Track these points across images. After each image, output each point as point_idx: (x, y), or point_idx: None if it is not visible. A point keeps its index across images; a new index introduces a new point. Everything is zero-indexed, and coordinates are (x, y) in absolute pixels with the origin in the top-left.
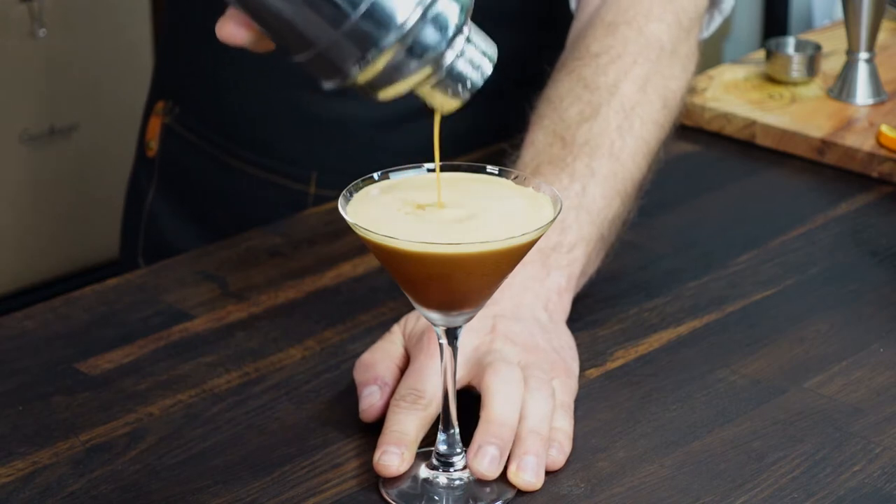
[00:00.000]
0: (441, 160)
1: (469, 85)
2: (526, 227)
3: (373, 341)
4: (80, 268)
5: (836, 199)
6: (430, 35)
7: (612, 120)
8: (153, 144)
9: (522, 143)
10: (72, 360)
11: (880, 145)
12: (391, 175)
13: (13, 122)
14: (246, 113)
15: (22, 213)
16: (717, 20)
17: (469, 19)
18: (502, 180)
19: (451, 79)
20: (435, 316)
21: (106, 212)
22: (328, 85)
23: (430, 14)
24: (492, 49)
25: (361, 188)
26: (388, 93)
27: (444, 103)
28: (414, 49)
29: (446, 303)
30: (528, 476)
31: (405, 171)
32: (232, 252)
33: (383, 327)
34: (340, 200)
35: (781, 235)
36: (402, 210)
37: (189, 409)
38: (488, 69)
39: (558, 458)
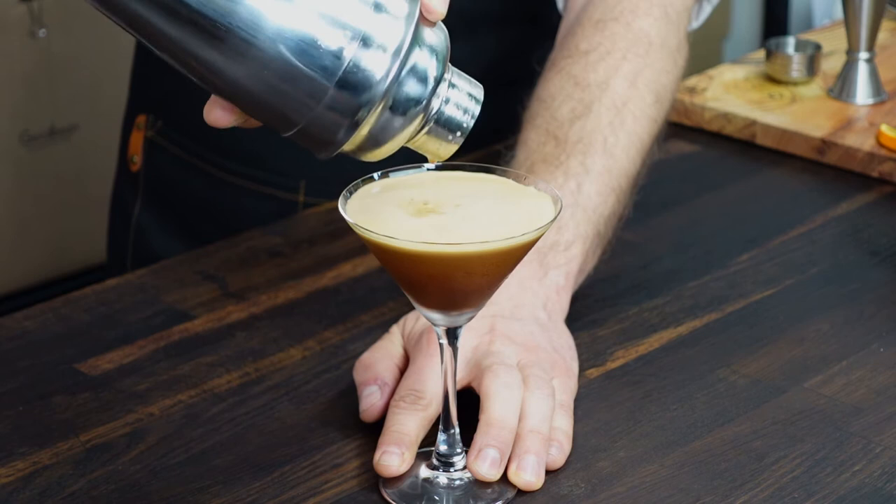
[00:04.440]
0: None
1: (460, 130)
2: (526, 227)
3: (373, 341)
4: (79, 268)
5: (836, 198)
6: (411, 88)
7: (604, 116)
8: (136, 159)
9: (516, 143)
10: (72, 360)
11: (880, 145)
12: (391, 174)
13: (13, 122)
14: None
15: (22, 214)
16: (707, 9)
17: (449, 65)
18: (502, 180)
19: (441, 126)
20: (436, 316)
21: (106, 212)
22: (321, 156)
23: (407, 68)
24: (477, 90)
25: (361, 188)
26: (382, 152)
27: (439, 151)
28: (398, 105)
29: (446, 303)
30: (528, 476)
31: (405, 171)
32: (232, 252)
33: (383, 327)
34: (340, 200)
35: (781, 235)
36: (402, 210)
37: (189, 409)
38: (476, 110)
39: (558, 457)
